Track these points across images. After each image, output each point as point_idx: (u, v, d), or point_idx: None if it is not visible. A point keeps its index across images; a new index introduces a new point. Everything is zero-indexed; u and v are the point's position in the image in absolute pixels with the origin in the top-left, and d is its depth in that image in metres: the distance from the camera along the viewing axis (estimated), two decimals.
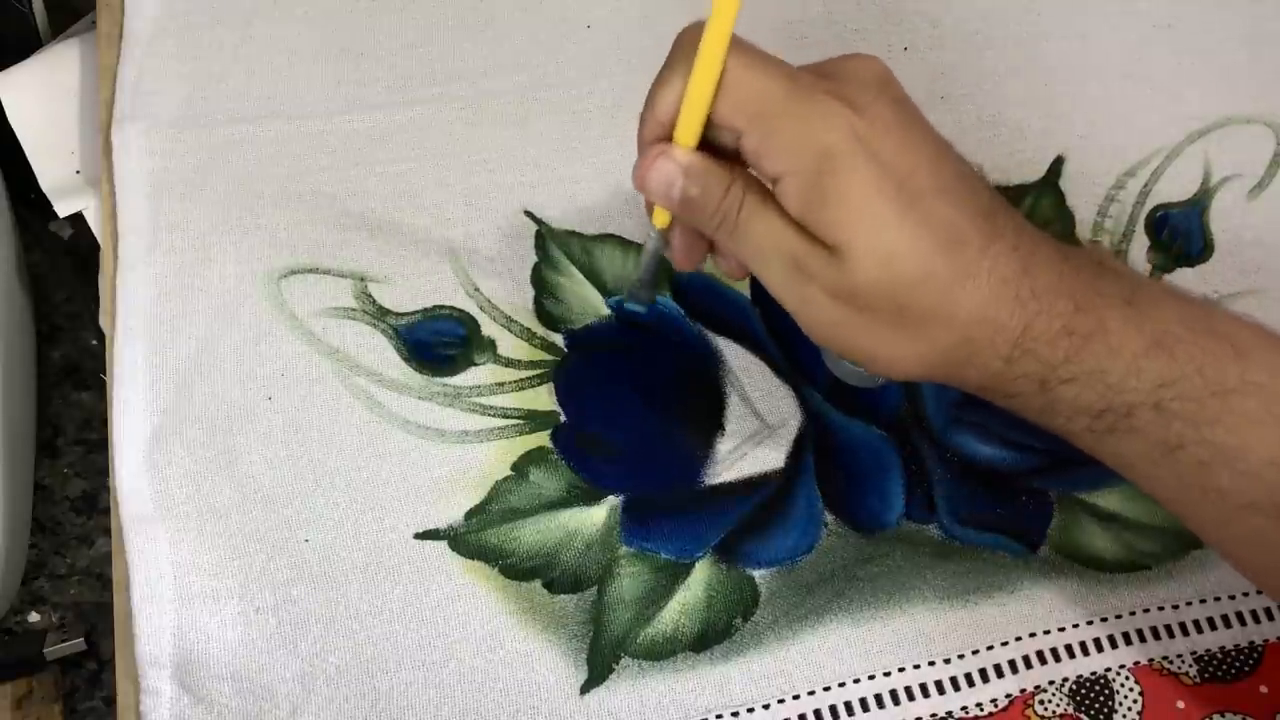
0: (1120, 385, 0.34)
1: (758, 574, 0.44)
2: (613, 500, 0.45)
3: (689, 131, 0.34)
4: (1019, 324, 0.34)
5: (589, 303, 0.49)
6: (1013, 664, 0.44)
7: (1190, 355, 0.34)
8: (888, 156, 0.33)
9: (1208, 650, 0.44)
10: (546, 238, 0.50)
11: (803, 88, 0.33)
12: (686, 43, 0.34)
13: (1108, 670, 0.44)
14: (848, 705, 0.43)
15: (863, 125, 0.33)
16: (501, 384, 0.47)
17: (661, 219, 0.38)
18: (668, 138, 0.35)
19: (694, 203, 0.35)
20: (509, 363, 0.47)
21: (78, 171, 0.53)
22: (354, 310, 0.48)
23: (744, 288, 0.49)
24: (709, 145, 0.35)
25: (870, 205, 0.33)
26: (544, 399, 0.47)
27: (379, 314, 0.48)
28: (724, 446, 0.47)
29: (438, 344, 0.47)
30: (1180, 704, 0.43)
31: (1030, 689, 0.43)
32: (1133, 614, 0.45)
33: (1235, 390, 0.34)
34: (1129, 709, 0.43)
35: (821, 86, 0.33)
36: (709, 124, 0.34)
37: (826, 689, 0.43)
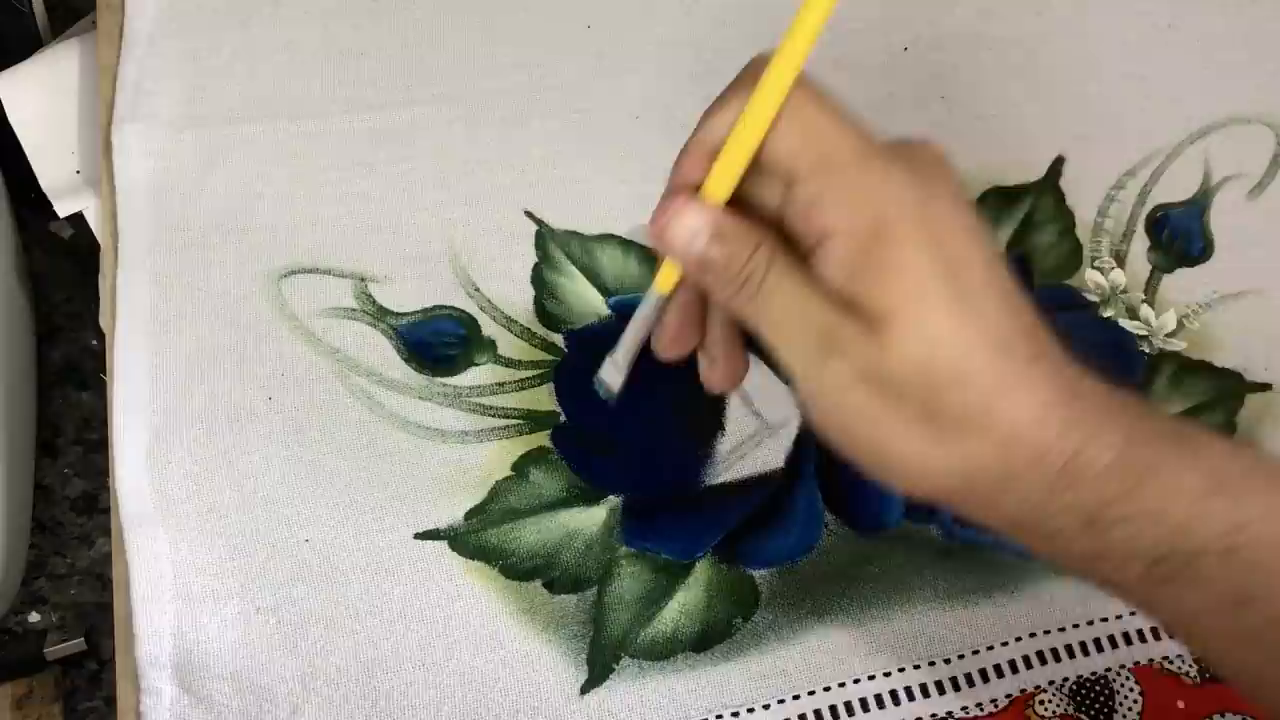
0: (1184, 528, 0.30)
1: (758, 574, 0.44)
2: (613, 500, 0.45)
3: (731, 167, 0.31)
4: (1065, 450, 0.30)
5: (589, 303, 0.49)
6: (1013, 664, 0.44)
7: (1255, 499, 0.31)
8: (947, 243, 0.31)
9: None
10: (546, 238, 0.50)
11: (874, 148, 0.31)
12: (755, 65, 0.31)
13: (1108, 670, 0.44)
14: (848, 705, 0.43)
15: (928, 205, 0.31)
16: (501, 384, 0.47)
17: (668, 280, 0.34)
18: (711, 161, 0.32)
19: (715, 262, 0.32)
20: (509, 363, 0.47)
21: (78, 171, 0.53)
22: (354, 310, 0.48)
23: None
24: (736, 203, 0.32)
25: (924, 283, 0.30)
26: (544, 399, 0.47)
27: (379, 314, 0.48)
28: (724, 446, 0.47)
29: (438, 344, 0.47)
30: (1180, 704, 0.43)
31: (1030, 689, 0.43)
32: (1133, 614, 0.45)
33: None
34: (1129, 709, 0.43)
35: (889, 152, 0.31)
36: (756, 164, 0.31)
37: (826, 689, 0.43)
